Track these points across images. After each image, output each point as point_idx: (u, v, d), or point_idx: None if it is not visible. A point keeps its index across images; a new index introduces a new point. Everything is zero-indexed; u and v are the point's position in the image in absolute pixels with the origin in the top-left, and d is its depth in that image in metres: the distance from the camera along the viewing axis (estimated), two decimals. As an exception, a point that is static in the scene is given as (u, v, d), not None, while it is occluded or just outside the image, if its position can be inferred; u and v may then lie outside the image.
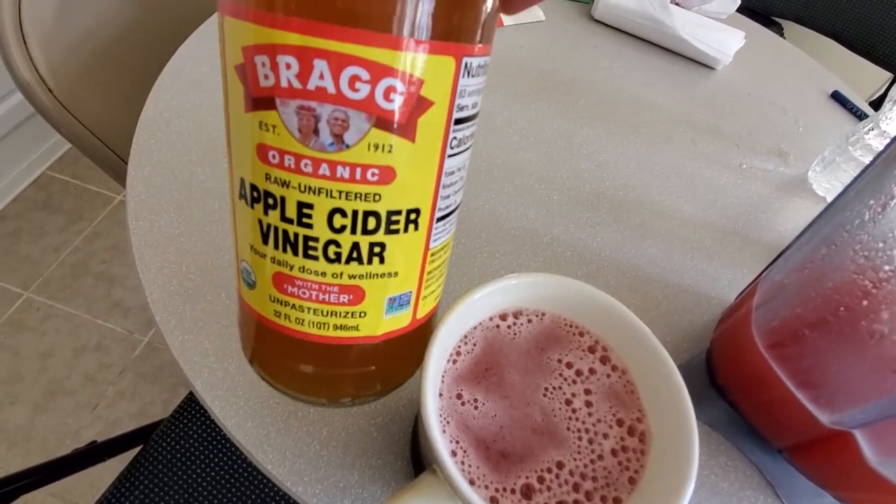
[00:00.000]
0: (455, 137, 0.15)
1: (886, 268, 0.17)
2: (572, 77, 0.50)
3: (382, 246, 0.15)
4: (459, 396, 0.20)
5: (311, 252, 0.15)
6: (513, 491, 0.18)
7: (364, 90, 0.13)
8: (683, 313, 0.34)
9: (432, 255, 0.17)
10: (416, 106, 0.13)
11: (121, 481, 0.47)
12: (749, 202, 0.42)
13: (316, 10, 0.12)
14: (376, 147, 0.14)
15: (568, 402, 0.20)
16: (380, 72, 0.13)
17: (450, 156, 0.15)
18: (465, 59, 0.14)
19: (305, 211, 0.14)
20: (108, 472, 0.54)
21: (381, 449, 0.26)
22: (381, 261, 0.15)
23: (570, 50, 0.54)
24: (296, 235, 0.15)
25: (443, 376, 0.20)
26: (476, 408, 0.19)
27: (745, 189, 0.43)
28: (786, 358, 0.22)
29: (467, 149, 0.16)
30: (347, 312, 0.16)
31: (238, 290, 0.18)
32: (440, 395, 0.20)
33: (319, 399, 0.19)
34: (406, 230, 0.15)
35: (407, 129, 0.14)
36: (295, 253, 0.15)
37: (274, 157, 0.14)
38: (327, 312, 0.16)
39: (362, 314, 0.16)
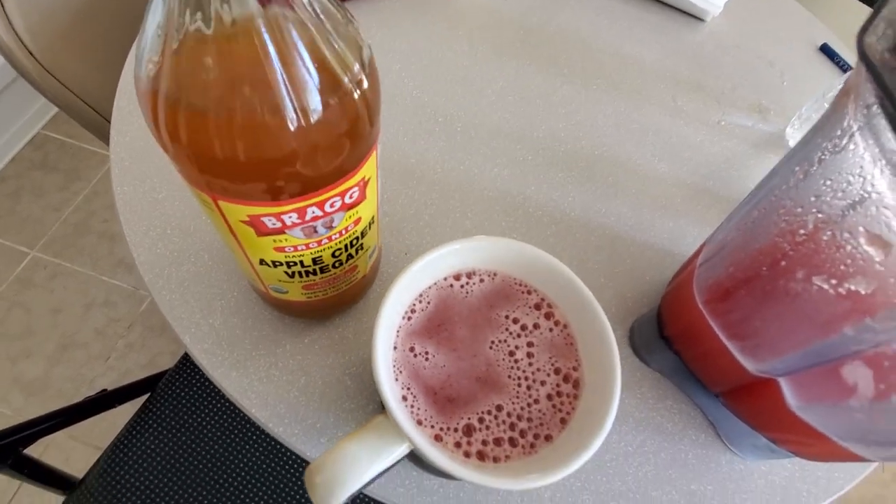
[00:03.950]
0: (380, 176, 0.23)
1: (801, 231, 0.19)
2: (555, 32, 0.50)
3: (361, 245, 0.24)
4: (412, 349, 0.22)
5: (325, 271, 0.24)
6: (455, 430, 0.20)
7: (337, 204, 0.20)
8: (647, 270, 0.36)
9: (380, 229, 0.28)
10: (364, 186, 0.21)
11: (131, 426, 0.51)
12: (723, 159, 0.43)
13: (307, 186, 0.18)
14: (350, 216, 0.21)
15: (511, 354, 0.22)
16: (345, 192, 0.20)
17: (379, 187, 0.23)
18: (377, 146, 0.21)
19: (317, 259, 0.23)
20: (122, 418, 0.58)
21: (354, 395, 0.29)
22: (362, 248, 0.25)
23: (555, 3, 0.53)
24: (314, 270, 0.24)
25: (398, 331, 0.22)
26: (427, 359, 0.22)
27: (720, 146, 0.44)
28: (719, 313, 0.24)
29: None
30: (353, 276, 0.27)
31: (262, 292, 0.27)
32: (395, 347, 0.22)
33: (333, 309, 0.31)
34: (370, 228, 0.24)
35: (362, 199, 0.21)
36: (315, 275, 0.24)
37: (289, 249, 0.21)
38: (341, 283, 0.26)
39: (359, 271, 0.27)
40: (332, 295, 0.27)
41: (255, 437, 0.50)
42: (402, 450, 0.19)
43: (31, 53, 0.47)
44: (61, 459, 0.83)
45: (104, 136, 0.53)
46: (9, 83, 1.08)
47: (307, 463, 0.45)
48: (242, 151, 0.16)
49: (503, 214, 0.37)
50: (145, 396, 0.55)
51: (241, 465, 0.48)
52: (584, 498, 0.27)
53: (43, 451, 0.84)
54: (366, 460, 0.18)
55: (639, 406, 0.30)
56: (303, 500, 0.47)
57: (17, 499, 0.82)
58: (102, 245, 1.05)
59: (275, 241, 0.20)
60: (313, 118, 0.16)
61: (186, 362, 0.56)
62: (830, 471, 0.30)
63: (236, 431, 0.50)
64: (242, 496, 0.47)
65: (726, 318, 0.23)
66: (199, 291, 0.31)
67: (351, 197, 0.20)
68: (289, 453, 0.48)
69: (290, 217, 0.19)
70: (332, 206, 0.20)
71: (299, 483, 0.48)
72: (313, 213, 0.19)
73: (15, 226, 1.05)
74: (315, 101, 0.16)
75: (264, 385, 0.29)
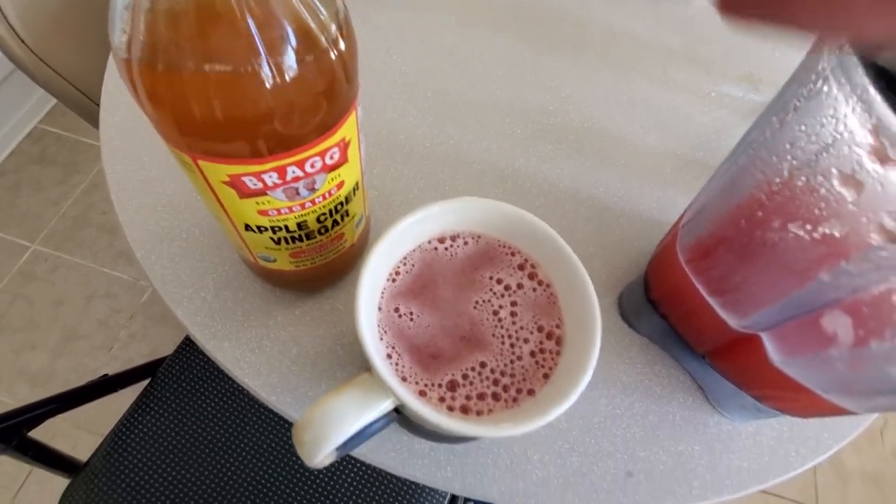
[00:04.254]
0: (362, 140, 0.23)
1: (777, 180, 0.19)
2: (544, 4, 0.49)
3: (346, 211, 0.24)
4: (397, 310, 0.22)
5: (311, 237, 0.24)
6: (439, 386, 0.20)
7: (318, 164, 0.20)
8: (635, 239, 0.36)
9: (365, 191, 0.27)
10: (345, 148, 0.21)
11: (133, 409, 0.52)
12: (713, 130, 0.43)
13: (285, 144, 0.18)
14: (332, 179, 0.21)
15: (495, 313, 0.22)
16: (325, 152, 0.20)
17: (362, 150, 0.23)
18: (356, 104, 0.20)
19: (302, 224, 0.23)
20: (127, 406, 0.59)
21: (345, 364, 0.29)
22: (348, 214, 0.25)
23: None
24: (300, 236, 0.24)
25: (382, 293, 0.22)
26: (412, 319, 0.22)
27: (711, 117, 0.43)
28: (700, 270, 0.24)
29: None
30: (340, 245, 0.27)
31: (250, 262, 0.28)
32: (379, 308, 0.22)
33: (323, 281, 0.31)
34: (355, 194, 0.24)
35: (344, 160, 0.21)
36: (301, 241, 0.24)
37: (272, 212, 0.21)
38: (329, 251, 0.27)
39: (346, 240, 0.27)
40: (321, 264, 0.27)
41: (254, 418, 0.50)
42: (386, 404, 0.19)
43: (23, 42, 0.48)
44: (68, 447, 0.83)
45: (94, 121, 0.53)
46: (5, 77, 1.08)
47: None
48: (219, 109, 0.16)
49: (492, 187, 0.37)
50: (146, 381, 0.56)
51: (242, 444, 0.49)
52: (572, 459, 0.28)
53: (50, 439, 0.85)
54: (351, 414, 0.19)
55: (627, 370, 0.31)
56: (303, 476, 0.47)
57: (27, 486, 0.84)
58: (102, 237, 1.05)
59: (257, 203, 0.20)
60: (289, 75, 0.17)
61: (186, 347, 0.57)
62: (819, 431, 0.30)
63: (236, 412, 0.51)
64: (244, 474, 0.48)
65: (708, 275, 0.24)
66: (191, 266, 0.31)
67: (332, 158, 0.20)
68: (288, 433, 0.49)
69: (270, 177, 0.19)
70: (312, 166, 0.20)
71: (296, 457, 0.48)
72: (294, 173, 0.19)
73: (15, 219, 1.06)
74: (290, 59, 0.17)
75: (256, 356, 0.29)
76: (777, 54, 0.49)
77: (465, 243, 0.24)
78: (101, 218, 1.07)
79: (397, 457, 0.27)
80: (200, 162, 0.18)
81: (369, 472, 0.48)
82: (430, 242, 0.24)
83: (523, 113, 0.41)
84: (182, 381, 0.54)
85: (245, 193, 0.20)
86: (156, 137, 0.36)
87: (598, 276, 0.34)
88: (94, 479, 0.49)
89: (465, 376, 0.21)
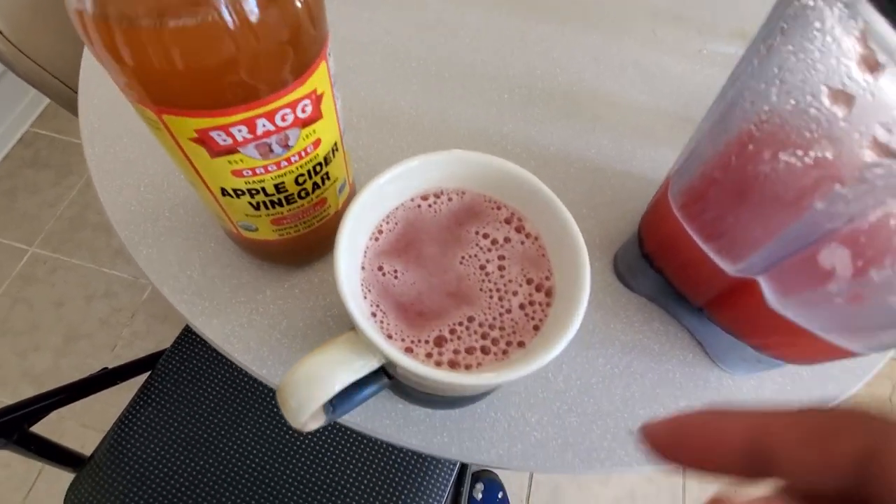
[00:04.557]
0: (337, 96, 0.22)
1: (765, 107, 0.18)
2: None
3: (326, 173, 0.24)
4: (381, 268, 0.21)
5: (290, 201, 0.23)
6: (426, 342, 0.20)
7: (290, 117, 0.19)
8: (628, 199, 0.35)
9: (346, 154, 0.26)
10: (317, 101, 0.20)
11: (135, 401, 0.52)
12: (705, 88, 0.42)
13: (249, 94, 0.17)
14: (307, 136, 0.21)
15: (482, 268, 0.22)
16: (295, 103, 0.19)
17: (338, 107, 0.22)
18: (327, 54, 0.20)
19: (280, 186, 0.22)
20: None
21: (336, 334, 0.29)
22: (328, 177, 0.24)
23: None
24: (279, 200, 0.23)
25: (366, 252, 0.22)
26: (396, 277, 0.21)
27: (702, 75, 0.42)
28: (693, 216, 0.23)
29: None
30: (323, 211, 0.26)
31: (234, 233, 0.27)
32: (363, 268, 0.21)
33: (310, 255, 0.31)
34: (334, 156, 0.24)
35: (318, 115, 0.20)
36: (281, 206, 0.23)
37: (247, 172, 0.21)
38: (311, 217, 0.26)
39: (329, 206, 0.26)
40: (305, 232, 0.27)
41: (255, 404, 0.50)
42: (371, 362, 0.19)
43: (0, 32, 0.47)
44: (76, 447, 0.84)
45: (76, 111, 0.52)
46: (-8, 81, 1.07)
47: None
48: (178, 57, 0.16)
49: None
50: (146, 374, 0.56)
51: (244, 430, 0.49)
52: (571, 420, 0.27)
53: (59, 438, 0.85)
54: (335, 372, 0.18)
55: (625, 329, 0.30)
56: (307, 457, 0.47)
57: (37, 486, 0.84)
58: (99, 237, 1.05)
59: (230, 162, 0.20)
60: (250, 20, 0.16)
61: (184, 339, 0.57)
62: (822, 383, 0.30)
63: (237, 399, 0.51)
64: (248, 460, 0.48)
65: (701, 220, 0.23)
66: (176, 245, 0.31)
67: (304, 111, 0.20)
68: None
69: (239, 131, 0.18)
70: (283, 119, 0.19)
71: (299, 442, 0.48)
72: (264, 126, 0.19)
73: (12, 223, 1.06)
74: (251, 2, 0.16)
75: (246, 330, 0.29)
76: (768, 8, 0.48)
77: (450, 199, 0.23)
78: (98, 218, 1.07)
79: (392, 424, 0.27)
80: (165, 117, 0.18)
81: (374, 451, 0.48)
82: (413, 200, 0.23)
83: (511, 78, 0.40)
84: (182, 372, 0.54)
85: (215, 151, 0.19)
86: (135, 118, 0.35)
87: (591, 238, 0.33)
88: (98, 471, 0.49)
89: (452, 331, 0.20)
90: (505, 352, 0.20)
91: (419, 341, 0.20)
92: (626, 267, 0.30)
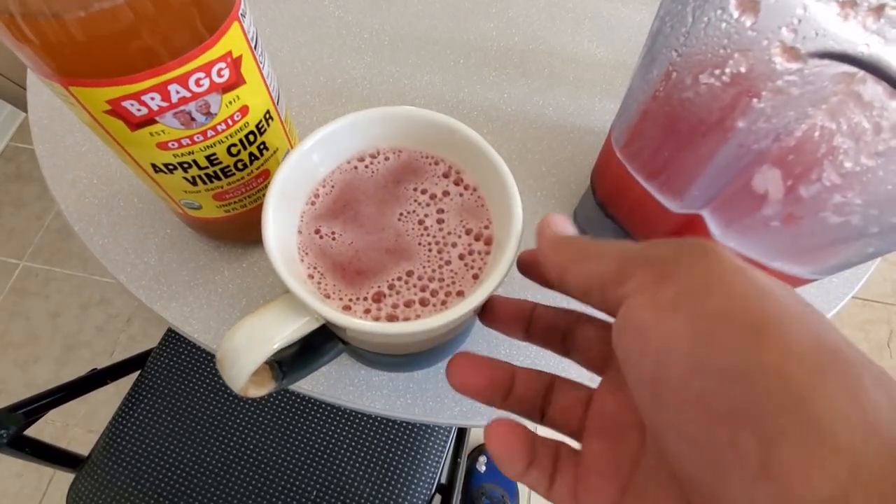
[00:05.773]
0: (261, 61, 0.22)
1: (683, 30, 0.18)
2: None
3: (263, 143, 0.24)
4: (317, 231, 0.21)
5: (228, 174, 0.23)
6: (365, 299, 0.20)
7: (205, 82, 0.19)
8: (588, 154, 0.35)
9: (286, 124, 0.26)
10: (235, 65, 0.20)
11: (128, 400, 0.53)
12: (665, 36, 0.41)
13: (155, 61, 0.17)
14: (230, 102, 0.20)
15: (421, 223, 0.21)
16: (209, 66, 0.18)
17: (264, 72, 0.22)
18: (240, 15, 0.19)
19: (213, 158, 0.22)
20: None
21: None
22: (266, 148, 0.24)
23: None
24: (215, 173, 0.23)
25: (302, 217, 0.21)
26: (334, 239, 0.21)
27: (662, 23, 0.41)
28: (633, 156, 0.23)
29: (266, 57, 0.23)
30: (267, 184, 0.23)
31: (180, 213, 0.26)
32: (300, 232, 0.21)
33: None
34: (269, 124, 0.23)
35: (239, 80, 0.20)
36: (219, 179, 0.23)
37: (173, 144, 0.20)
38: (255, 191, 0.26)
39: None
40: (252, 207, 0.26)
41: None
42: (306, 320, 0.18)
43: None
44: (83, 452, 0.85)
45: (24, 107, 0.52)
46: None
47: (295, 406, 0.45)
48: (73, 26, 0.15)
49: (437, 119, 0.36)
50: (137, 373, 0.56)
51: (237, 419, 0.49)
52: (535, 374, 0.27)
53: (66, 446, 0.86)
54: (273, 331, 0.18)
55: (587, 282, 0.30)
56: (301, 442, 0.48)
57: (49, 493, 0.85)
58: (89, 246, 1.05)
59: (152, 134, 0.20)
60: None
61: (172, 335, 0.57)
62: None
63: (226, 389, 0.51)
64: (242, 448, 0.48)
65: (640, 160, 0.23)
66: (132, 232, 0.31)
67: (220, 75, 0.19)
68: (281, 403, 0.49)
69: (153, 99, 0.18)
70: (198, 84, 0.19)
71: (291, 425, 0.48)
72: (179, 92, 0.18)
73: (1, 239, 1.06)
74: None
75: (205, 311, 0.29)
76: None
77: (387, 159, 0.23)
78: (86, 227, 1.07)
79: (355, 391, 0.27)
80: (73, 89, 0.17)
81: (366, 427, 0.48)
82: (349, 163, 0.23)
83: (465, 42, 0.40)
84: (172, 368, 0.54)
85: (133, 123, 0.19)
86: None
87: (551, 194, 0.33)
88: (97, 470, 0.50)
89: (391, 287, 0.20)
90: (444, 302, 0.20)
91: (357, 299, 0.20)
92: (585, 219, 0.30)
